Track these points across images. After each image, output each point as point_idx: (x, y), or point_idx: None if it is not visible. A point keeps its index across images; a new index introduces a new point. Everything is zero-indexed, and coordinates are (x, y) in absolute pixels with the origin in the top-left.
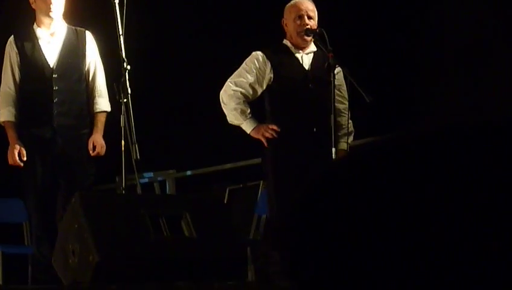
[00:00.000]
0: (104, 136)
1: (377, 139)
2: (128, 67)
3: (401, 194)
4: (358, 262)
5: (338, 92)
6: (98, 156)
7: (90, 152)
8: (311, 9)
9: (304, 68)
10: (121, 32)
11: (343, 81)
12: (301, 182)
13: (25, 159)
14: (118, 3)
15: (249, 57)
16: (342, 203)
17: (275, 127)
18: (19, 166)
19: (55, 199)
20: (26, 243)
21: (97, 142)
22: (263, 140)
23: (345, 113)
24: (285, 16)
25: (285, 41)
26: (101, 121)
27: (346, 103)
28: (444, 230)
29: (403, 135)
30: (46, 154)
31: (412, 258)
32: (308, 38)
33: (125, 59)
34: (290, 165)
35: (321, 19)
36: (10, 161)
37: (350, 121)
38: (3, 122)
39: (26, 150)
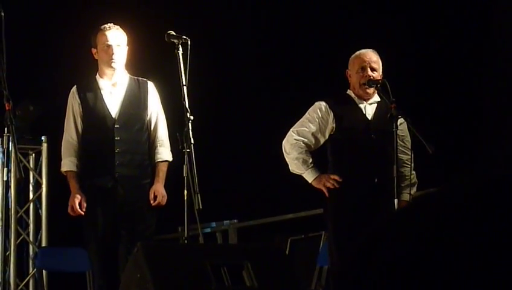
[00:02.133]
0: (167, 186)
1: (438, 188)
2: (192, 117)
3: (467, 247)
4: None
5: (401, 143)
6: (159, 206)
7: (151, 202)
8: (375, 60)
9: (367, 118)
10: (184, 83)
11: (407, 132)
12: (361, 233)
13: (84, 209)
14: (182, 54)
15: (312, 107)
16: (403, 254)
17: (336, 177)
18: (79, 215)
19: (117, 248)
20: None
21: (158, 192)
22: (324, 190)
23: (408, 164)
24: (349, 67)
25: (349, 92)
26: (162, 170)
27: (410, 153)
28: None
29: (465, 183)
30: (107, 205)
31: None
32: (371, 90)
33: (189, 109)
34: (351, 216)
35: (386, 70)
36: (69, 210)
37: (413, 172)
38: (65, 172)
39: (87, 200)
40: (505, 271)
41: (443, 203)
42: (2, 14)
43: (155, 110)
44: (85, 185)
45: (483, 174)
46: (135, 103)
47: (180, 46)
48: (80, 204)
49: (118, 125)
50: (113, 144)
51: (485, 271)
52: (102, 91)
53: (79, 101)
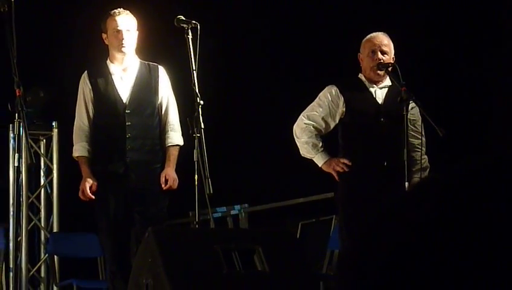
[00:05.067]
0: (178, 171)
1: (448, 170)
2: (202, 102)
3: (472, 232)
4: None
5: (413, 127)
6: (170, 190)
7: (162, 186)
8: (385, 43)
9: (377, 102)
10: (194, 68)
11: (419, 116)
12: (369, 218)
13: (95, 193)
14: (192, 39)
15: (323, 91)
16: (407, 239)
17: (346, 161)
18: (90, 199)
19: (129, 233)
20: (100, 278)
21: (169, 176)
22: (334, 174)
23: (419, 148)
24: (361, 51)
25: (360, 76)
26: (173, 154)
27: (421, 138)
28: None
29: (477, 165)
30: (119, 190)
31: None
32: (381, 73)
33: (199, 94)
34: (361, 200)
35: (398, 53)
36: (80, 194)
37: (425, 157)
38: (77, 157)
39: (99, 186)
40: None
41: (449, 186)
42: (12, 0)
43: (166, 94)
44: (97, 171)
45: (491, 157)
46: (146, 87)
47: (189, 30)
48: (90, 188)
49: (128, 111)
50: (124, 129)
51: (488, 258)
52: (113, 76)
53: (90, 87)
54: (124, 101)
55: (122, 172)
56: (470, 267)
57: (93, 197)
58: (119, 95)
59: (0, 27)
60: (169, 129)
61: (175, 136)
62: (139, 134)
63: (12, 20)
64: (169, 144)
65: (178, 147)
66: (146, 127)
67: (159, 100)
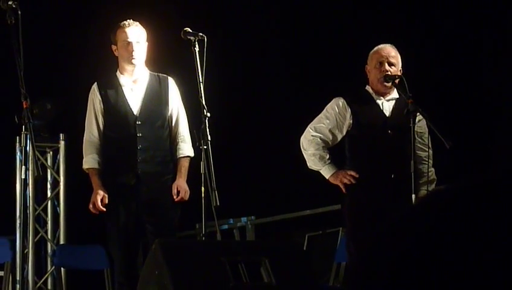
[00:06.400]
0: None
1: (456, 184)
2: (208, 114)
3: (486, 244)
4: None
5: (419, 140)
6: (181, 201)
7: (174, 197)
8: (393, 55)
9: (384, 114)
10: (201, 80)
11: (426, 128)
12: (376, 230)
13: (105, 206)
14: (198, 51)
15: (330, 103)
16: (415, 250)
17: (353, 173)
18: (101, 212)
19: (138, 246)
20: None
21: (181, 187)
22: (341, 186)
23: (426, 161)
24: (368, 63)
25: (367, 88)
26: (184, 166)
27: (428, 150)
28: None
29: (485, 179)
30: (130, 202)
31: None
32: (388, 85)
33: (205, 106)
34: (368, 212)
35: (405, 65)
36: (91, 207)
37: (432, 169)
38: (88, 169)
39: (110, 197)
40: None
41: (455, 200)
42: (19, 12)
43: (176, 106)
44: (107, 183)
45: (497, 171)
46: (156, 99)
47: (196, 43)
48: (101, 201)
49: (139, 122)
50: (135, 141)
51: (495, 270)
52: (123, 88)
53: (100, 98)
54: (135, 113)
55: (133, 184)
56: (476, 279)
57: (104, 209)
58: (129, 106)
59: (8, 39)
60: (180, 141)
61: (186, 148)
62: (150, 145)
63: (19, 31)
64: (181, 156)
65: (189, 158)
66: (157, 138)
67: (170, 112)
